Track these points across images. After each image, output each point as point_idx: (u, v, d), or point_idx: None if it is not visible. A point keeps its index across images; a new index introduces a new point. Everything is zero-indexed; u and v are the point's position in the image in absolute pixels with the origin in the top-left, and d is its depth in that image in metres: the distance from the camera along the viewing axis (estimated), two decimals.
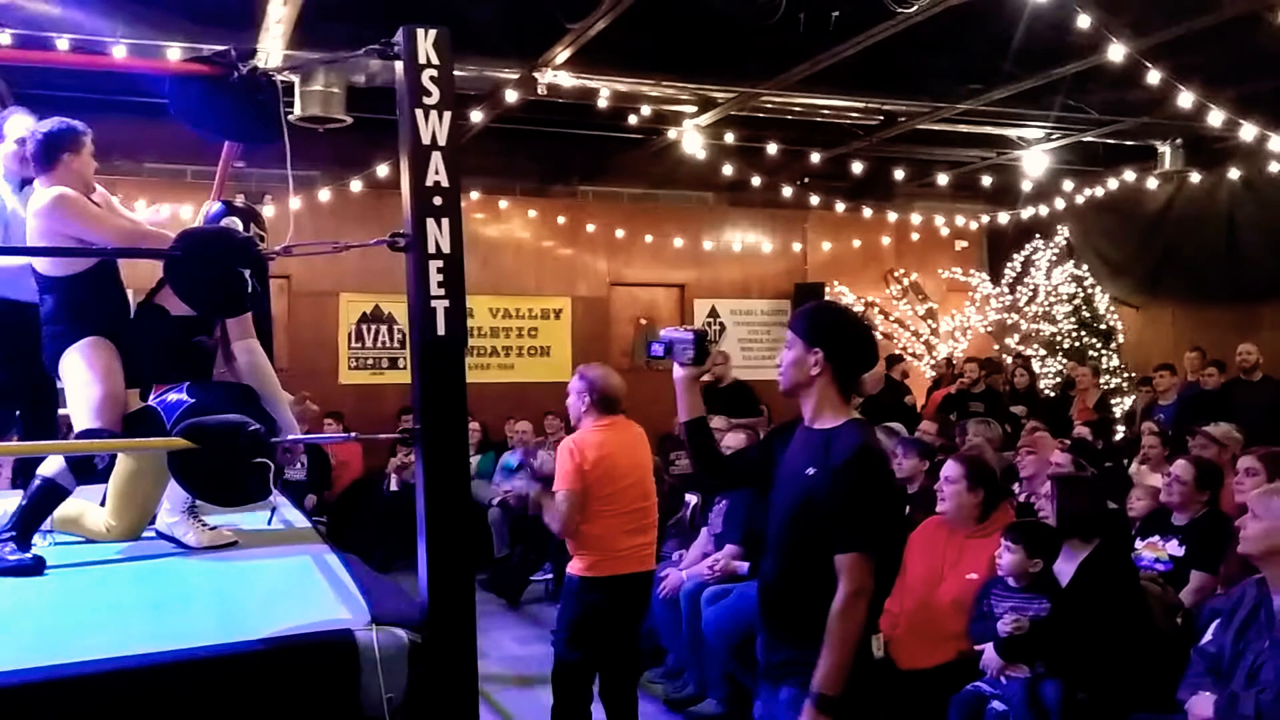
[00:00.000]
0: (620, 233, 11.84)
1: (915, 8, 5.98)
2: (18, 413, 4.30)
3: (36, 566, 3.29)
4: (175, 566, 3.48)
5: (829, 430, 2.91)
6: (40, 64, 6.55)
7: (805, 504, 2.88)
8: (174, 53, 6.87)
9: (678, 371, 3.13)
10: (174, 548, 3.70)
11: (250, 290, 2.96)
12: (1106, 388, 11.11)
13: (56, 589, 3.18)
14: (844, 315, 3.17)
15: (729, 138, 9.96)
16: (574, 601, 4.62)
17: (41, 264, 3.56)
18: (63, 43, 6.66)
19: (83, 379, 3.44)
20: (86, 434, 3.38)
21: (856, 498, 2.79)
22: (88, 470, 3.53)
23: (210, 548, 3.69)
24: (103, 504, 3.85)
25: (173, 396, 3.54)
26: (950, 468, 4.88)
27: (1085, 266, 12.37)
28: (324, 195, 9.95)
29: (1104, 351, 12.01)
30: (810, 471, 2.88)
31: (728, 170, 10.53)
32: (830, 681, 2.73)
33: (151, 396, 3.64)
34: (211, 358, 3.94)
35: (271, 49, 6.81)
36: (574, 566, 4.64)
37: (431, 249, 2.55)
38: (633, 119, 9.09)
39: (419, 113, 2.57)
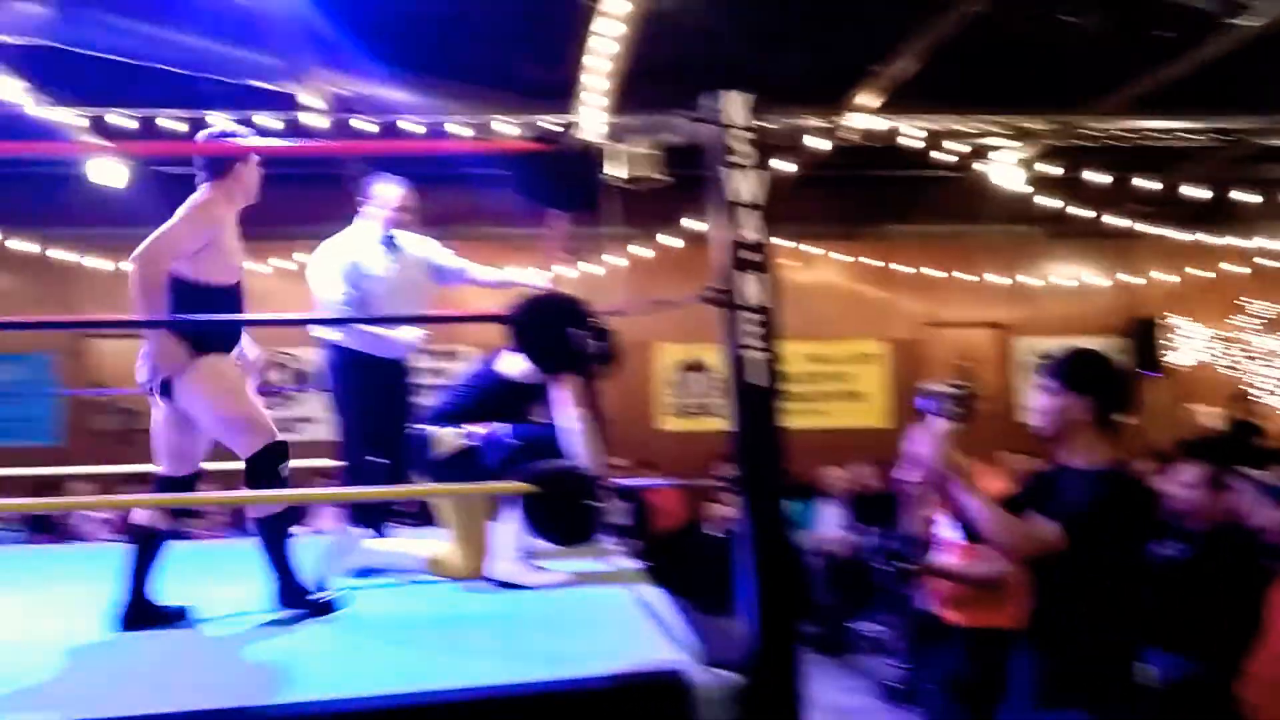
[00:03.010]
0: (934, 272, 11.60)
1: (1245, 19, 5.50)
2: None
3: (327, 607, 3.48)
4: (513, 606, 3.71)
5: (1097, 471, 3.02)
6: (401, 154, 7.26)
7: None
8: (503, 126, 7.46)
9: (939, 425, 3.19)
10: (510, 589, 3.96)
11: (587, 352, 3.16)
12: None
13: (407, 624, 3.47)
14: (1109, 362, 3.24)
15: (1047, 168, 9.55)
16: (1001, 661, 4.24)
17: None
18: (408, 124, 7.40)
19: None
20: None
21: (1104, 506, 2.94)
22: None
23: (545, 587, 3.93)
24: None
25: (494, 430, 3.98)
26: None
27: None
28: (643, 250, 10.39)
29: None
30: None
31: (1046, 201, 10.08)
32: None
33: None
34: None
35: (593, 116, 7.22)
36: (999, 618, 4.19)
37: (745, 302, 2.63)
38: (943, 156, 8.92)
39: (729, 172, 2.67)
